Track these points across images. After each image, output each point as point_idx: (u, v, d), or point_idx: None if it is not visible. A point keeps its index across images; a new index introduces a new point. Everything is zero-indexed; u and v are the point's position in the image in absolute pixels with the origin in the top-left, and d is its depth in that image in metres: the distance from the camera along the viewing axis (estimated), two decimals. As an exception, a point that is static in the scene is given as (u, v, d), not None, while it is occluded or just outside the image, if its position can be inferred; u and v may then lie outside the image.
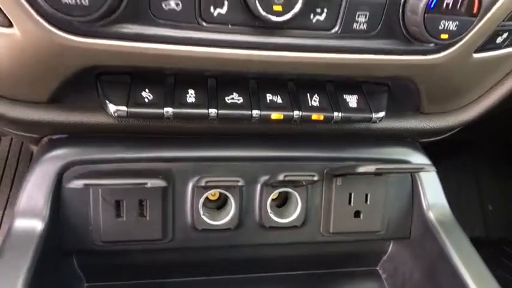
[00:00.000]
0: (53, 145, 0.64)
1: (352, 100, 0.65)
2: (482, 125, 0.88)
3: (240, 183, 0.60)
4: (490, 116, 0.80)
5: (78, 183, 0.54)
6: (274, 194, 0.71)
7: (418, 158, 0.74)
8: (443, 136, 0.80)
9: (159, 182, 0.57)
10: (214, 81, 0.62)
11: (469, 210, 1.88)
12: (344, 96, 0.65)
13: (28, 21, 0.47)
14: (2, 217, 1.71)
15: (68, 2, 0.43)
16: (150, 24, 0.49)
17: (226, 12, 0.49)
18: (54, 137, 0.65)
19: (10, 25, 0.48)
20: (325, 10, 0.51)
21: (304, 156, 0.70)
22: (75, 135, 0.65)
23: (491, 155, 1.95)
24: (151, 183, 0.55)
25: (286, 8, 0.47)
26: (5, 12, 0.47)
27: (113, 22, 0.48)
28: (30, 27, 0.48)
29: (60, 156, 0.62)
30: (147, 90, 0.59)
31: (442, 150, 1.09)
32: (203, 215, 0.67)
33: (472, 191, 1.91)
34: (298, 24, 0.51)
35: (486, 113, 0.77)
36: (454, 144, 1.57)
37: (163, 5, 0.48)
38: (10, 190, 1.78)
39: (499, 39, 0.60)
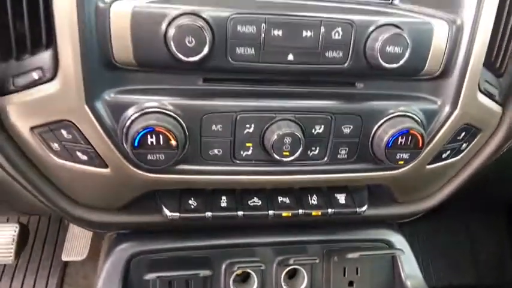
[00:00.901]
0: (120, 239, 0.86)
1: (341, 198, 0.88)
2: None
3: (262, 268, 0.82)
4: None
5: (152, 276, 0.76)
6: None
7: (395, 238, 0.96)
8: (417, 217, 1.02)
9: (207, 272, 0.79)
10: (240, 189, 0.85)
11: (460, 257, 1.97)
12: (335, 194, 0.88)
13: (120, 167, 0.71)
14: (36, 277, 1.89)
15: (151, 158, 0.67)
16: (199, 164, 0.73)
17: (251, 153, 0.73)
18: (120, 232, 0.88)
19: (106, 167, 0.72)
20: (318, 148, 0.75)
21: (308, 240, 0.92)
22: (136, 231, 0.87)
23: (482, 205, 2.06)
24: (202, 273, 0.78)
25: (292, 153, 0.70)
26: (105, 160, 0.71)
27: (174, 164, 0.72)
28: (120, 170, 0.71)
29: (127, 248, 0.85)
30: (192, 198, 0.82)
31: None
32: None
33: (464, 238, 2.01)
34: (299, 158, 0.74)
35: (450, 197, 0.99)
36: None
37: (209, 152, 0.72)
38: (42, 253, 1.97)
39: (444, 155, 0.84)
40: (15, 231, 1.72)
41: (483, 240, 2.03)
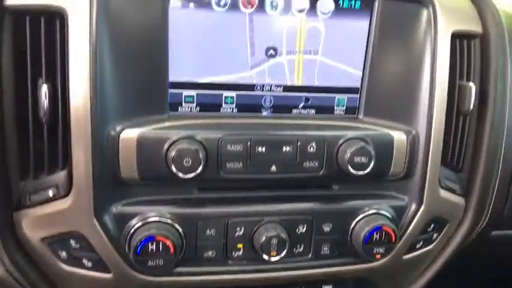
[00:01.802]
0: None
1: None
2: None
3: None
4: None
5: None
6: None
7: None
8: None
9: None
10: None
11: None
12: (322, 286, 0.94)
13: (122, 271, 0.77)
14: None
15: (151, 264, 0.74)
16: (195, 265, 0.79)
17: (242, 254, 0.80)
18: None
19: (109, 272, 0.78)
20: (302, 246, 0.83)
21: None
22: None
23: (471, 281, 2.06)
24: None
25: (278, 252, 0.78)
26: (108, 266, 0.77)
27: (173, 267, 0.78)
28: (122, 274, 0.77)
29: None
30: None
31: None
32: None
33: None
34: (286, 256, 0.80)
35: (432, 280, 1.05)
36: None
37: (204, 254, 0.79)
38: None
39: (418, 245, 0.92)
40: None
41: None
